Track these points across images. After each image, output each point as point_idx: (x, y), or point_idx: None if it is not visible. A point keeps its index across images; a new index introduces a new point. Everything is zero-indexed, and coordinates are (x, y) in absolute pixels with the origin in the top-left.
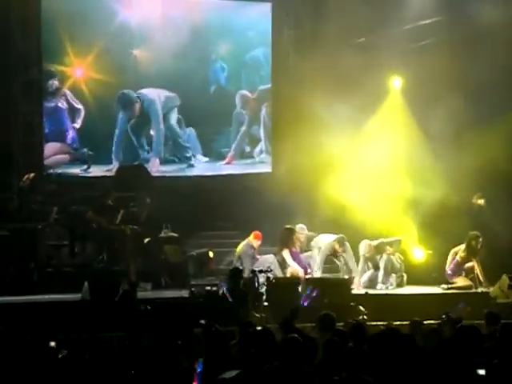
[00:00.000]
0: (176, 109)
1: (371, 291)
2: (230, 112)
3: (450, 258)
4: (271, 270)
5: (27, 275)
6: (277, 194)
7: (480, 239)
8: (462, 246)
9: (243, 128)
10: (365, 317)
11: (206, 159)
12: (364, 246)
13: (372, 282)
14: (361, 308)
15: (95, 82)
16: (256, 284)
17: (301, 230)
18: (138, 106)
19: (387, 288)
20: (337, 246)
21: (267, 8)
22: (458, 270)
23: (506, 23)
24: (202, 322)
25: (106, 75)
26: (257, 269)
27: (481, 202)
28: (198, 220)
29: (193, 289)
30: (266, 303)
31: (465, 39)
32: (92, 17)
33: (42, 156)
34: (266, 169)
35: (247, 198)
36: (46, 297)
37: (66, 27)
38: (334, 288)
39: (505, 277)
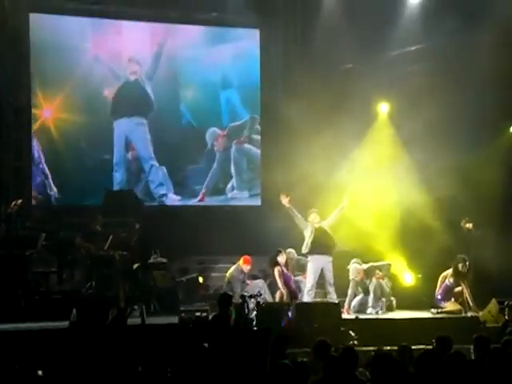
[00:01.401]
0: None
1: (361, 316)
2: (202, 149)
3: (439, 282)
4: (261, 295)
5: (15, 302)
6: (266, 220)
7: (467, 262)
8: (451, 271)
9: (214, 165)
10: (355, 342)
11: (179, 197)
12: (354, 270)
13: (362, 307)
14: (351, 333)
15: (63, 122)
16: (246, 309)
17: (290, 253)
18: None
19: (377, 313)
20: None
21: (256, 35)
22: (448, 294)
23: (491, 50)
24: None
25: (75, 115)
26: (247, 294)
27: (469, 226)
28: (187, 245)
29: (182, 314)
30: (255, 328)
31: (450, 65)
32: (62, 56)
33: (31, 182)
34: (255, 202)
35: (237, 222)
36: (34, 324)
37: (37, 65)
38: (323, 313)
39: (494, 301)
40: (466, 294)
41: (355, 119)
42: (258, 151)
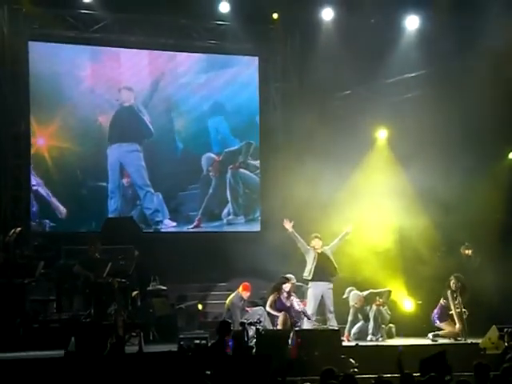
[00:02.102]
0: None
1: (362, 343)
2: (197, 175)
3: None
4: (261, 322)
5: (13, 331)
6: (266, 245)
7: (459, 280)
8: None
9: (210, 190)
10: (355, 369)
11: (174, 224)
12: (354, 297)
13: (362, 334)
14: (351, 360)
15: (57, 149)
16: (245, 337)
17: (290, 279)
18: None
19: (378, 340)
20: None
21: (254, 62)
22: (443, 314)
23: (490, 76)
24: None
25: (69, 142)
26: (246, 321)
27: (468, 252)
28: (186, 272)
29: (181, 342)
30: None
31: (449, 91)
32: (59, 83)
33: (29, 210)
34: (252, 227)
35: (236, 250)
36: (32, 353)
37: (35, 93)
38: (324, 340)
39: (494, 328)
40: (453, 310)
41: (354, 145)
42: (254, 176)
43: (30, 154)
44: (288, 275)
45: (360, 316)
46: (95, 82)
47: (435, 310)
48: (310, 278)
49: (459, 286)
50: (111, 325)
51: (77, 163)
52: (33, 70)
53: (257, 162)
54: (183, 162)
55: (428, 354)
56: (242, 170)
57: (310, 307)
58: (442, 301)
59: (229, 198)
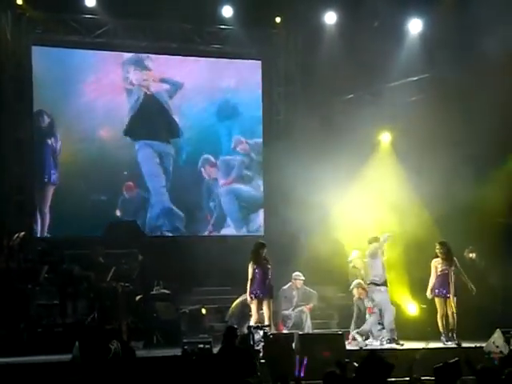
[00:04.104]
0: None
1: (366, 347)
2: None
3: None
4: (268, 326)
5: (17, 336)
6: (270, 250)
7: (444, 246)
8: (437, 260)
9: (212, 199)
10: None
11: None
12: (355, 289)
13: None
14: (355, 364)
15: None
16: (251, 341)
17: (297, 276)
18: None
19: (382, 343)
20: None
21: (257, 66)
22: (445, 282)
23: (494, 78)
24: None
25: (70, 156)
26: (253, 325)
27: (472, 255)
28: (190, 276)
29: (185, 347)
30: (262, 360)
31: (452, 95)
32: (63, 89)
33: (33, 214)
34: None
35: (240, 253)
36: (36, 358)
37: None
38: (327, 344)
39: (499, 331)
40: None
41: (357, 148)
42: (247, 188)
43: (34, 160)
44: (296, 273)
45: (361, 308)
46: (99, 86)
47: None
48: (380, 282)
49: (447, 250)
50: (115, 329)
51: (80, 173)
52: (36, 75)
53: (250, 173)
54: (189, 169)
55: (434, 357)
56: (234, 185)
57: (377, 314)
58: (438, 270)
59: (226, 213)
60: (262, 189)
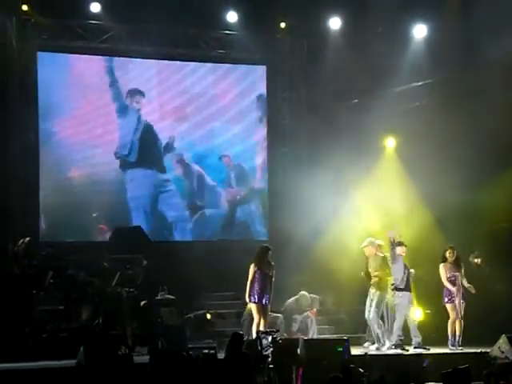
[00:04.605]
0: None
1: (371, 352)
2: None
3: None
4: (278, 331)
5: (22, 341)
6: (274, 255)
7: (454, 250)
8: (444, 265)
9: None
10: (363, 378)
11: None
12: None
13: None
14: (360, 370)
15: None
16: (259, 346)
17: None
18: None
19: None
20: None
21: (262, 71)
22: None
23: (498, 85)
24: None
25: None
26: (262, 330)
27: (478, 260)
28: (194, 282)
29: (190, 352)
30: (271, 365)
31: (457, 100)
32: (69, 94)
33: (38, 220)
34: (263, 237)
35: (245, 258)
36: (41, 363)
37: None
38: (332, 349)
39: (504, 337)
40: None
41: (362, 153)
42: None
43: (39, 165)
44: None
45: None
46: (104, 92)
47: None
48: (402, 286)
49: (455, 254)
50: (120, 335)
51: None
52: (42, 80)
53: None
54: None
55: (439, 364)
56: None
57: (400, 319)
58: (448, 276)
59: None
60: (266, 192)
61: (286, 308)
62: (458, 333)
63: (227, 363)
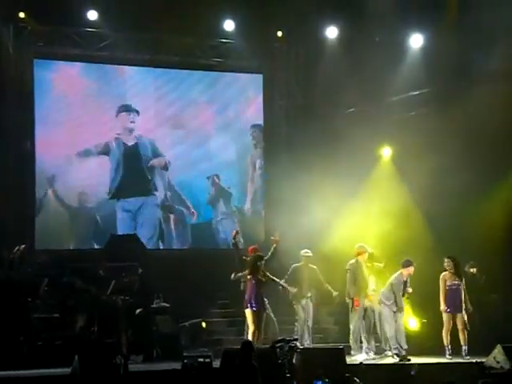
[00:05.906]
0: None
1: (366, 361)
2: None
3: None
4: (296, 339)
5: (17, 349)
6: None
7: (451, 260)
8: (445, 274)
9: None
10: None
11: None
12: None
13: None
14: (356, 380)
15: None
16: (275, 355)
17: (305, 252)
18: None
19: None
20: None
21: (259, 80)
22: (450, 297)
23: (494, 95)
24: None
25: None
26: (278, 339)
27: (473, 270)
28: (190, 290)
29: (185, 360)
30: (288, 375)
31: (453, 110)
32: (65, 101)
33: (34, 227)
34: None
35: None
36: (36, 371)
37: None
38: (327, 358)
39: (499, 347)
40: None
41: (358, 162)
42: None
43: (35, 172)
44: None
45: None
46: (100, 100)
47: (446, 303)
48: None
49: (455, 265)
50: (115, 343)
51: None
52: (38, 88)
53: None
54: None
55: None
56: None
57: (389, 328)
58: (447, 286)
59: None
60: (263, 200)
61: None
62: (462, 342)
63: (237, 373)
